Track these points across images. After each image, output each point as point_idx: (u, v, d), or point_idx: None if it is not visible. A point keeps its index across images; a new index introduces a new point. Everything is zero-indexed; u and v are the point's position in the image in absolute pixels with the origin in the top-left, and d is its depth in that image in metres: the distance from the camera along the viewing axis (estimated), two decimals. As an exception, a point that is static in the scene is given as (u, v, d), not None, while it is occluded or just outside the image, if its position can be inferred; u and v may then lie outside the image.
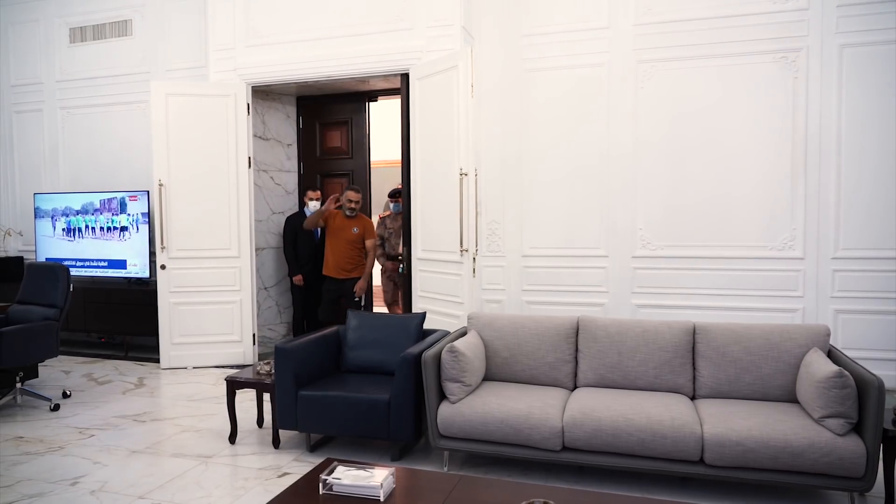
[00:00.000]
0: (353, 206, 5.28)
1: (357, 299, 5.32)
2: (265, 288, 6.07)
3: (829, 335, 3.26)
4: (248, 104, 5.50)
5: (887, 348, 4.59)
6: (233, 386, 3.74)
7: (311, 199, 5.71)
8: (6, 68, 6.79)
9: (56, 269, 4.56)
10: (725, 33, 4.81)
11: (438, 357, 3.30)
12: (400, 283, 5.86)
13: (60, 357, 5.91)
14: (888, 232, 4.56)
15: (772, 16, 4.72)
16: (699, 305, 4.92)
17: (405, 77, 5.08)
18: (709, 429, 2.88)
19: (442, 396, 3.31)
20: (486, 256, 5.42)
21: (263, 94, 5.90)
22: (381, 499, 2.10)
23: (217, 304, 5.52)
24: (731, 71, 4.82)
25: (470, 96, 4.41)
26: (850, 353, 4.64)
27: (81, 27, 6.46)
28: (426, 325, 4.63)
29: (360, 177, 6.17)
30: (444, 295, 4.75)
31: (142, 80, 6.18)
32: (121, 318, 6.01)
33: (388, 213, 6.12)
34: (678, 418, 2.93)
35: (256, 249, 5.87)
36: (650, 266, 5.06)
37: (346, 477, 2.18)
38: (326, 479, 2.18)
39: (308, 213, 5.69)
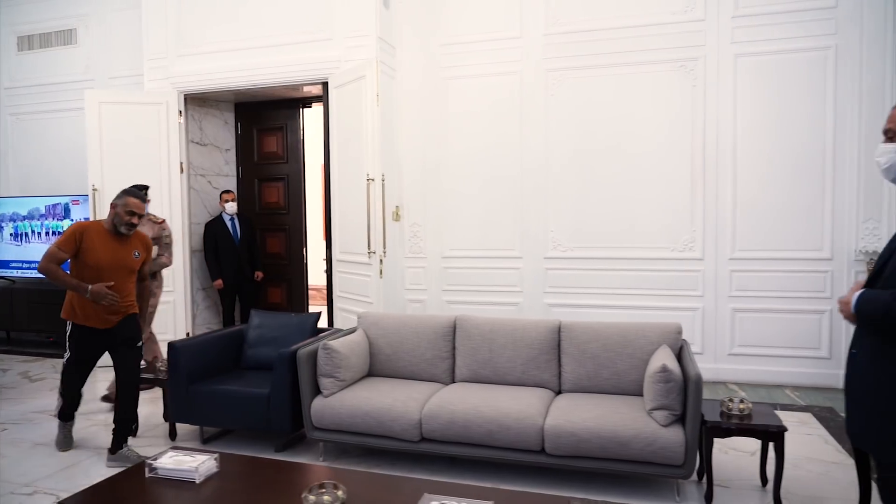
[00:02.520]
0: (135, 221, 3.40)
1: (141, 344, 3.64)
2: (203, 288, 6.27)
3: (680, 332, 3.44)
4: (180, 111, 5.71)
5: (780, 345, 4.77)
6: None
7: (227, 201, 5.87)
8: (-42, 76, 7.02)
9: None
10: (629, 43, 5.00)
11: (315, 354, 3.50)
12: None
13: (2, 356, 6.15)
14: (780, 233, 4.75)
15: (672, 26, 4.91)
16: (607, 304, 5.11)
17: (325, 85, 5.28)
18: (549, 420, 3.07)
19: (319, 391, 3.51)
20: (409, 258, 5.63)
21: (201, 101, 6.10)
22: (197, 481, 2.30)
23: (151, 304, 5.71)
24: (635, 79, 5.02)
25: (375, 105, 4.61)
26: (746, 351, 4.88)
27: (29, 35, 6.69)
28: (342, 325, 4.88)
29: (295, 181, 6.37)
30: (356, 295, 4.95)
31: (87, 87, 6.36)
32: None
33: None
34: (523, 411, 3.13)
35: (193, 251, 6.08)
36: (561, 267, 5.26)
37: (169, 462, 2.38)
38: (152, 464, 2.38)
39: (226, 216, 5.87)
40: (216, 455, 2.43)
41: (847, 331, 4.53)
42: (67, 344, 3.56)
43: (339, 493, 2.11)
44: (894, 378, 1.51)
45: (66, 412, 3.71)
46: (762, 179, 4.78)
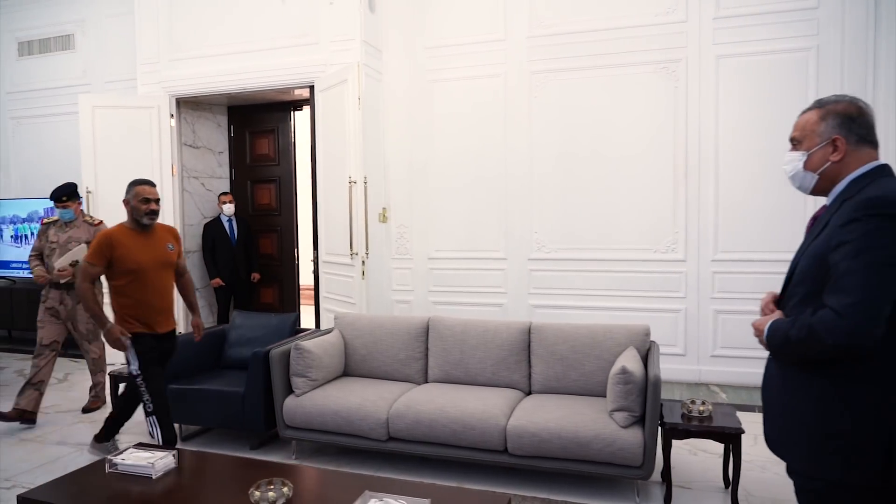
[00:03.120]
0: (154, 207, 3.27)
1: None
2: (197, 288, 6.35)
3: (648, 334, 3.46)
4: (172, 115, 5.82)
5: (762, 347, 4.74)
6: (116, 380, 4.06)
7: (225, 203, 5.95)
8: (-38, 81, 7.19)
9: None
10: (612, 45, 5.01)
11: (288, 354, 3.57)
12: (76, 321, 4.34)
13: (2, 354, 6.30)
14: (762, 235, 4.74)
15: (654, 28, 4.91)
16: (590, 306, 5.13)
17: (312, 89, 5.35)
18: (512, 421, 3.11)
19: (291, 390, 3.57)
20: (396, 259, 5.68)
21: (194, 104, 6.19)
22: (154, 476, 2.37)
23: (143, 304, 5.82)
24: (617, 81, 5.03)
25: (357, 108, 4.67)
26: (728, 353, 4.88)
27: (29, 41, 6.83)
28: (328, 326, 4.94)
29: (286, 183, 6.45)
30: (340, 296, 5.01)
31: (84, 91, 6.49)
32: (62, 318, 6.35)
33: (53, 218, 4.46)
34: (487, 411, 3.17)
35: (187, 252, 6.18)
36: (545, 268, 5.28)
37: (129, 458, 2.45)
38: (112, 459, 2.45)
39: (224, 218, 5.96)
40: (174, 452, 2.50)
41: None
42: (133, 352, 3.22)
43: (285, 489, 2.17)
44: (803, 384, 1.53)
45: (169, 433, 3.26)
46: (744, 181, 4.77)
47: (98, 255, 3.16)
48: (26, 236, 6.61)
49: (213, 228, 6.00)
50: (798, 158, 1.60)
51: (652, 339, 3.55)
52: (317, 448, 3.70)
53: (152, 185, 3.33)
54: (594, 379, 3.43)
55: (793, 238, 4.65)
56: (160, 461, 2.41)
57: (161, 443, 3.22)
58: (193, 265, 6.29)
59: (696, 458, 3.50)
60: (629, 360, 3.12)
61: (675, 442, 3.36)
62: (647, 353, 3.38)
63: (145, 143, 5.77)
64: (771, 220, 4.71)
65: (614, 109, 5.04)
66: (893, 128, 4.42)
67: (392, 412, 3.31)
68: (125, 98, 5.94)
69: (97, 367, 4.59)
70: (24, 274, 6.61)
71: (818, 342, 1.41)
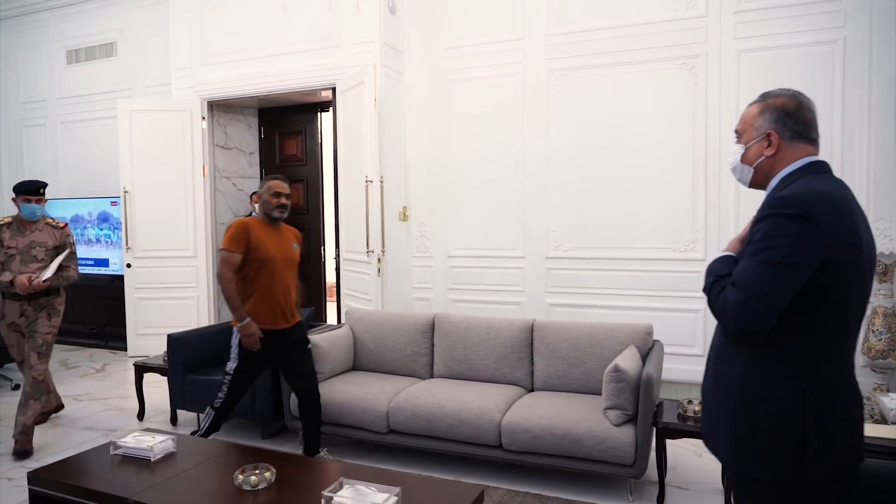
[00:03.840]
0: (284, 202, 3.35)
1: (310, 346, 3.54)
2: (227, 285, 6.59)
3: (650, 333, 3.43)
4: (203, 118, 6.06)
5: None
6: (140, 370, 4.28)
7: (257, 202, 6.15)
8: (16, 87, 7.65)
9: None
10: (630, 41, 4.95)
11: (297, 347, 3.69)
12: (35, 332, 3.87)
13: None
14: (785, 234, 4.59)
15: (673, 23, 4.83)
16: (607, 305, 5.08)
17: (334, 91, 5.49)
18: (507, 417, 3.14)
19: (299, 382, 3.69)
20: (416, 257, 5.76)
21: (226, 107, 6.43)
22: (152, 459, 2.51)
23: (176, 298, 6.09)
24: (636, 78, 4.96)
25: (373, 109, 4.77)
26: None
27: (76, 49, 7.22)
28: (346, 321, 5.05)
29: (313, 183, 6.62)
30: (358, 292, 5.12)
31: (125, 96, 6.84)
32: (104, 311, 6.70)
33: (6, 220, 3.89)
34: (483, 406, 3.20)
35: (219, 250, 6.42)
36: (562, 266, 5.26)
37: (132, 441, 2.60)
38: (117, 442, 2.61)
39: (255, 216, 6.16)
40: (174, 437, 2.64)
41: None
42: (236, 352, 3.24)
43: (267, 474, 2.28)
44: (729, 380, 1.51)
45: (214, 430, 3.35)
46: (766, 178, 4.63)
47: (236, 241, 3.16)
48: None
49: None
50: (738, 151, 1.59)
51: (656, 338, 3.53)
52: (325, 440, 3.80)
53: (284, 180, 3.39)
54: (595, 377, 3.42)
55: (817, 237, 4.50)
56: (159, 445, 2.55)
57: (203, 433, 3.31)
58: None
59: (701, 459, 3.44)
60: (625, 359, 3.10)
61: (679, 442, 3.36)
62: (648, 352, 3.35)
63: (178, 145, 6.03)
64: (794, 218, 4.56)
65: (633, 107, 4.97)
66: (924, 122, 4.23)
67: (392, 405, 3.38)
68: (160, 102, 6.22)
69: (37, 391, 3.81)
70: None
71: (716, 315, 1.46)
